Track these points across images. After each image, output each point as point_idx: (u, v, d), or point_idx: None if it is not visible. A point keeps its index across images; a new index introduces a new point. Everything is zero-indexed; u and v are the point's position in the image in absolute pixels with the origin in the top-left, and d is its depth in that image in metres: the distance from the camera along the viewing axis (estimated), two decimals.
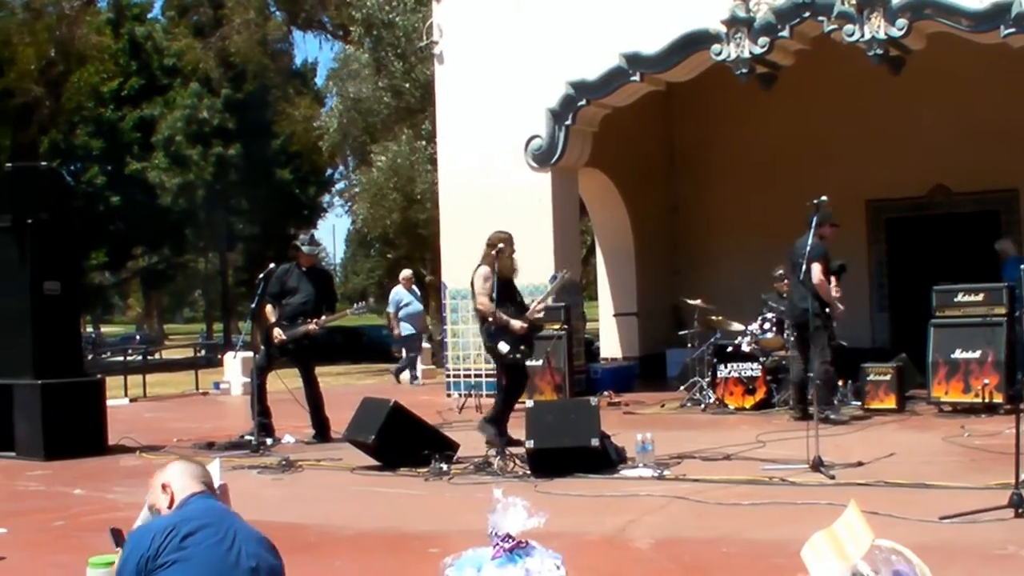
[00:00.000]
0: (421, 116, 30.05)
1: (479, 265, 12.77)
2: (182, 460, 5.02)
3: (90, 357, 40.39)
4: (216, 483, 6.84)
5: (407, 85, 30.21)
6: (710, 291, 18.83)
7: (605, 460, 10.47)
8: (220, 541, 4.45)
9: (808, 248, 12.29)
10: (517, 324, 12.42)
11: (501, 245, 12.80)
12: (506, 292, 12.67)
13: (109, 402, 14.56)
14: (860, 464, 10.22)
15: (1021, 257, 16.87)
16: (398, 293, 24.78)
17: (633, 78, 18.21)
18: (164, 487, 4.79)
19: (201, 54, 50.39)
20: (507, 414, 12.58)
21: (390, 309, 25.12)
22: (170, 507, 4.73)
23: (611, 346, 23.33)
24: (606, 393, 17.93)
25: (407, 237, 34.19)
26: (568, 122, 18.76)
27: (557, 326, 16.71)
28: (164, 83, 60.22)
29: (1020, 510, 7.63)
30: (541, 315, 13.21)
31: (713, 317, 16.95)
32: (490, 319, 12.44)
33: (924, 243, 21.57)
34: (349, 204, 39.76)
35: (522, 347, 12.55)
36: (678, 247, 23.74)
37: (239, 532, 4.53)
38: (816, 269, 13.51)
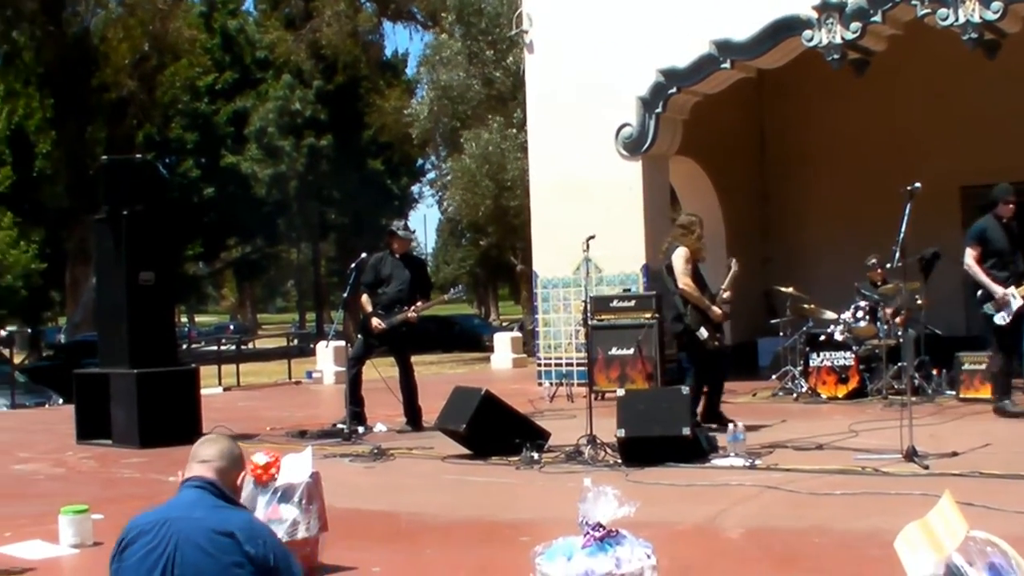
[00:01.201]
0: (512, 104, 30.08)
1: (675, 245, 12.67)
2: (211, 435, 4.85)
3: (184, 347, 40.85)
4: (308, 471, 6.93)
5: (498, 73, 30.26)
6: (802, 279, 18.68)
7: (696, 449, 10.43)
8: (146, 555, 4.29)
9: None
10: (718, 311, 12.41)
11: (698, 229, 12.70)
12: (696, 276, 12.63)
13: (203, 391, 14.74)
14: (955, 454, 10.09)
15: None
16: None
17: (723, 65, 18.09)
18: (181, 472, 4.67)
19: (293, 46, 50.75)
20: (717, 397, 12.81)
21: None
22: None
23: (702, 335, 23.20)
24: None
25: (498, 225, 34.27)
26: (658, 110, 18.67)
27: (648, 315, 16.66)
28: (257, 76, 60.76)
29: None
30: (727, 305, 13.07)
31: (805, 305, 16.80)
32: (693, 302, 12.42)
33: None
34: (440, 194, 39.92)
35: (718, 334, 12.58)
36: (769, 235, 23.56)
37: (181, 538, 4.26)
38: (968, 254, 13.16)
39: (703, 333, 12.40)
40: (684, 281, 12.48)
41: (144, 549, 4.31)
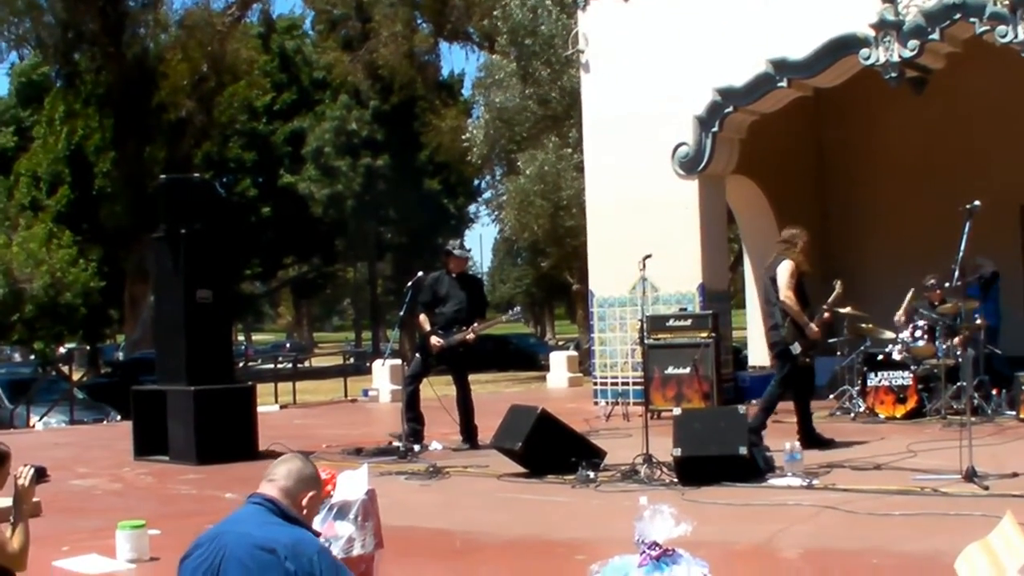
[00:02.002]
0: (567, 124, 30.08)
1: (780, 259, 12.61)
2: (287, 455, 4.85)
3: (241, 365, 41.08)
4: (364, 488, 6.93)
5: (553, 93, 30.28)
6: (860, 299, 18.55)
7: (753, 469, 10.38)
8: (197, 568, 4.42)
9: None
10: (815, 329, 12.34)
11: (800, 242, 12.63)
12: (800, 291, 12.56)
13: (259, 408, 14.82)
14: (1015, 475, 9.97)
15: None
16: None
17: (780, 84, 18.02)
18: None
19: (350, 67, 51.00)
20: (807, 418, 12.64)
21: None
22: None
23: (759, 354, 23.08)
24: (754, 402, 17.75)
25: (555, 246, 34.26)
26: (715, 129, 18.61)
27: (705, 334, 16.60)
28: (314, 96, 61.11)
29: None
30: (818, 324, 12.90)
31: (863, 325, 16.68)
32: (793, 315, 12.36)
33: None
34: (496, 213, 39.94)
35: (811, 351, 12.52)
36: (827, 254, 23.39)
37: (228, 552, 4.37)
38: None
39: (796, 348, 12.35)
40: (786, 293, 12.40)
41: (196, 562, 4.43)
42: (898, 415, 15.40)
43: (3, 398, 27.47)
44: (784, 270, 12.52)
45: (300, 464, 4.71)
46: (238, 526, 4.46)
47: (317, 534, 4.78)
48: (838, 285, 13.42)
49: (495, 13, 31.65)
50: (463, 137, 34.68)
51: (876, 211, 22.88)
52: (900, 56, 16.81)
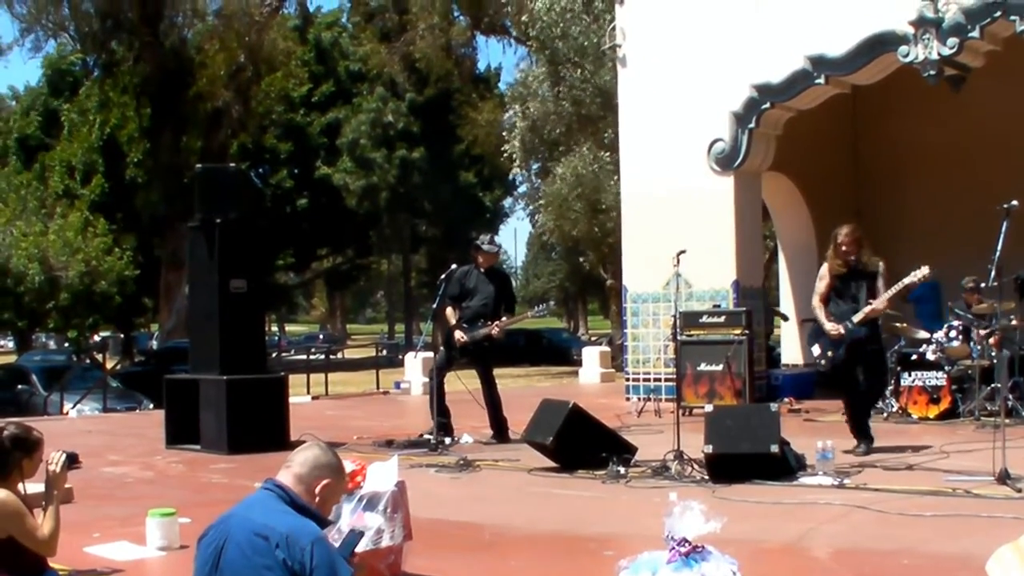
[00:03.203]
0: (602, 124, 30.04)
1: (870, 256, 12.60)
2: (308, 443, 4.90)
3: (274, 355, 41.24)
4: (393, 480, 6.94)
5: (585, 93, 30.20)
6: (895, 297, 18.45)
7: (784, 467, 10.35)
8: (205, 547, 4.53)
9: None
10: (830, 328, 12.17)
11: (833, 243, 12.49)
12: (842, 288, 12.41)
13: (292, 399, 14.84)
14: None
15: None
16: None
17: (818, 80, 17.95)
18: None
19: (386, 59, 50.96)
20: (858, 417, 12.47)
21: None
22: None
23: (792, 352, 23.04)
24: (786, 399, 17.72)
25: (593, 248, 34.25)
26: (751, 125, 18.57)
27: (738, 331, 16.56)
28: (351, 88, 61.16)
29: None
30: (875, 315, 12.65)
31: (897, 324, 16.59)
32: (814, 317, 12.37)
33: None
34: (531, 207, 39.89)
35: (829, 353, 12.33)
36: None
37: (231, 535, 4.46)
38: None
39: (815, 350, 12.29)
40: (814, 298, 12.37)
41: (207, 541, 4.54)
42: (931, 416, 15.32)
43: (37, 385, 27.64)
44: (819, 273, 12.48)
45: (318, 452, 4.74)
46: (245, 510, 4.54)
47: (327, 524, 4.80)
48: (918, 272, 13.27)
49: (523, 19, 31.64)
50: (503, 149, 34.59)
51: (912, 210, 22.76)
52: (939, 54, 16.71)
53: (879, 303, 12.17)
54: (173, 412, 14.39)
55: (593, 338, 55.21)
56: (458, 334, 13.96)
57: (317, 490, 4.63)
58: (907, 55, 16.99)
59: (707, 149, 18.88)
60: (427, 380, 18.58)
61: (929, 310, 18.81)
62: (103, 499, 10.59)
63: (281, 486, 4.58)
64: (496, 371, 14.35)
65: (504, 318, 14.06)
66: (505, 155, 34.19)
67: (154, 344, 52.24)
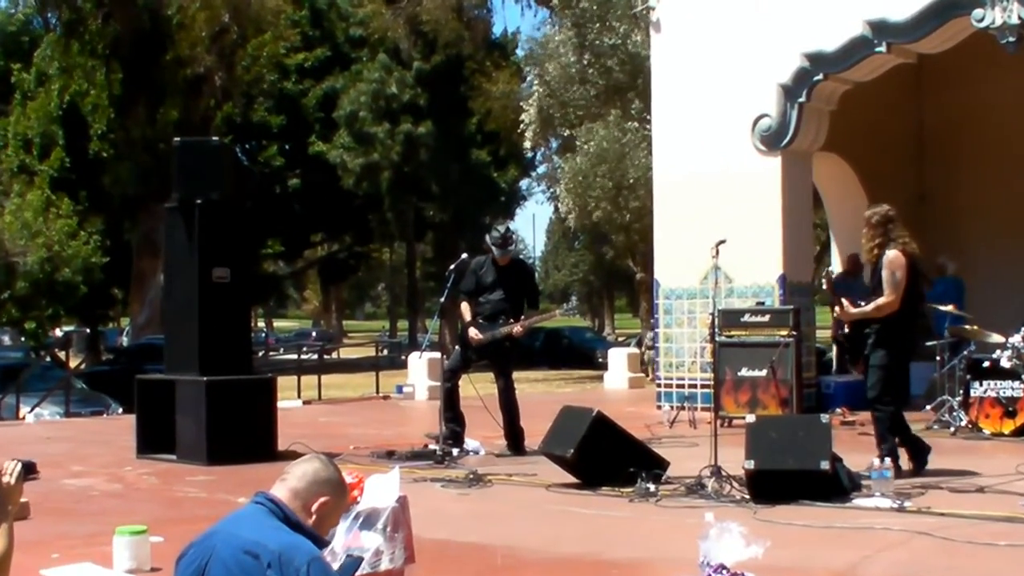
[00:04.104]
0: (630, 94, 30.00)
1: (884, 247, 12.09)
2: (309, 455, 4.92)
3: (260, 354, 41.25)
4: (394, 495, 6.93)
5: (612, 60, 30.16)
6: (964, 296, 18.42)
7: (836, 486, 10.32)
8: (187, 566, 4.55)
9: None
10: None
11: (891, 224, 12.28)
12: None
13: (280, 404, 14.85)
14: None
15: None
16: None
17: (878, 49, 17.89)
18: None
19: (389, 22, 50.90)
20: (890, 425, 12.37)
21: None
22: None
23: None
24: (839, 410, 17.68)
25: (618, 232, 34.20)
26: (802, 99, 18.51)
27: (785, 332, 16.53)
28: (349, 55, 61.13)
29: None
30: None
31: (966, 326, 16.54)
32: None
33: None
34: (551, 190, 39.90)
35: (846, 357, 12.31)
36: (927, 243, 23.10)
37: (215, 553, 4.48)
38: None
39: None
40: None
41: (187, 561, 4.57)
42: (1006, 431, 15.24)
43: None
44: (894, 264, 12.20)
45: (318, 465, 4.74)
46: (232, 526, 4.55)
47: (324, 544, 4.78)
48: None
49: None
50: (520, 120, 34.57)
51: (984, 194, 22.68)
52: (1020, 17, 16.62)
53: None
54: (145, 417, 14.38)
55: (620, 338, 55.19)
56: (473, 332, 13.93)
57: (314, 508, 4.63)
58: (982, 19, 16.91)
59: (751, 126, 18.83)
60: (434, 384, 18.59)
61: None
62: (64, 515, 10.57)
63: (274, 500, 4.58)
64: (513, 375, 14.35)
65: (527, 315, 14.03)
66: (522, 127, 34.15)
67: (124, 340, 52.38)
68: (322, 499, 4.64)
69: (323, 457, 4.83)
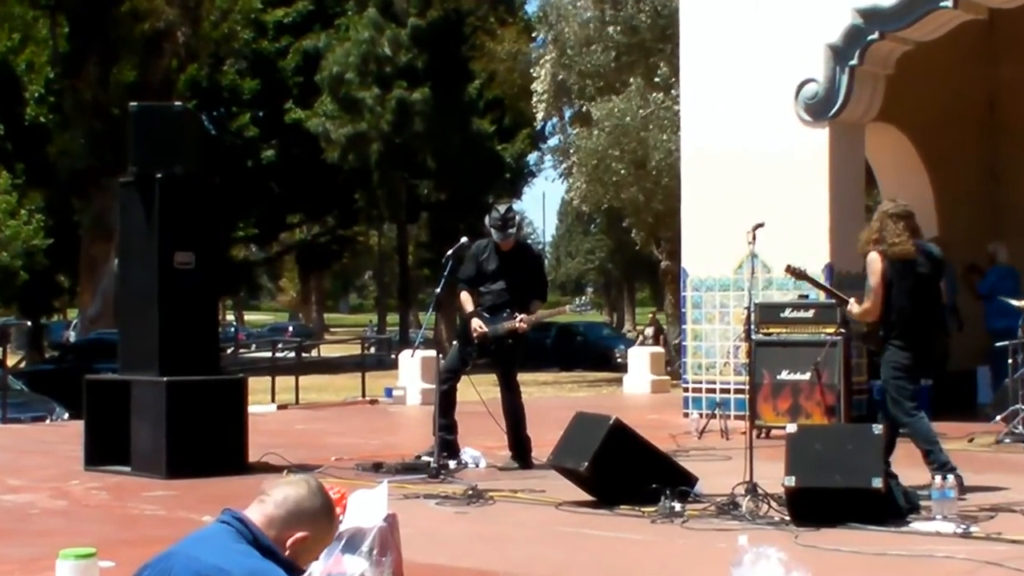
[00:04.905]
0: (654, 58, 29.99)
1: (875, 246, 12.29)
2: (301, 476, 4.88)
3: (229, 351, 41.25)
4: (382, 513, 6.90)
5: (639, 18, 30.16)
6: (1019, 286, 18.41)
7: (890, 507, 10.31)
8: None
9: None
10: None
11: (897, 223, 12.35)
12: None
13: (252, 408, 14.85)
14: None
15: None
16: None
17: (944, 3, 17.88)
18: None
19: None
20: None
21: None
22: None
23: None
24: None
25: (637, 215, 34.16)
26: (854, 62, 18.49)
27: (831, 330, 16.51)
28: (334, 9, 61.14)
29: None
30: None
31: None
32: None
33: None
34: (564, 165, 39.88)
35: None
36: (999, 227, 23.16)
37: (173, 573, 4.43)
38: None
39: None
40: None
41: None
42: None
43: None
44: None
45: (303, 493, 4.65)
46: (193, 548, 4.48)
47: (299, 573, 4.70)
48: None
49: None
50: (531, 88, 34.56)
51: None
52: None
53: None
54: (95, 423, 14.35)
55: (642, 336, 55.27)
56: (476, 324, 13.90)
57: (289, 543, 4.55)
58: None
59: (795, 93, 18.81)
60: (428, 386, 18.59)
61: (1002, 306, 18.54)
62: (0, 535, 10.58)
63: (244, 520, 4.51)
64: (520, 376, 14.34)
65: (533, 308, 14.02)
66: (534, 99, 34.17)
67: (72, 335, 52.42)
68: (299, 535, 4.56)
69: (313, 482, 4.73)
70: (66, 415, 24.20)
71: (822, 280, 15.43)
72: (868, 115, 19.27)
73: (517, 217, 14.45)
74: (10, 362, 33.45)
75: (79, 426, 15.28)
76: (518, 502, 11.72)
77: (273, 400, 24.88)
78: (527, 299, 14.05)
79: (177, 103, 18.07)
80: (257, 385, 19.45)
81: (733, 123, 19.31)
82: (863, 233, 12.40)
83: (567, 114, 37.85)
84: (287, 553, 4.55)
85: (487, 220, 14.35)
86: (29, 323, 54.50)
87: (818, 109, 18.67)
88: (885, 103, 19.27)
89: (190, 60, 47.76)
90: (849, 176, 19.15)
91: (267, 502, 4.58)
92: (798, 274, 13.12)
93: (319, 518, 4.65)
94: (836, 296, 13.21)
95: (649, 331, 43.12)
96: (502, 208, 14.24)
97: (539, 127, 57.20)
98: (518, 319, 13.82)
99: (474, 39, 53.93)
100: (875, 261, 12.02)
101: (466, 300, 14.21)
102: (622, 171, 30.55)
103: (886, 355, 12.14)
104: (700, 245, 19.66)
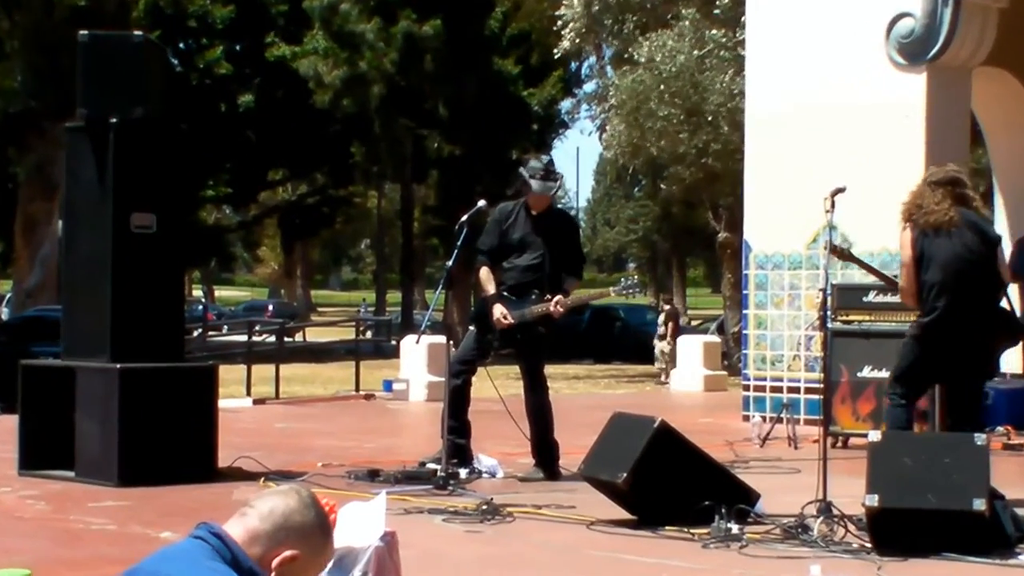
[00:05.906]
0: None
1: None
2: (292, 486, 4.77)
3: (196, 333, 41.36)
4: (379, 530, 6.91)
5: None
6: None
7: (995, 534, 10.27)
8: None
9: None
10: None
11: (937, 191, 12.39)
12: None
13: (223, 402, 14.87)
14: None
15: None
16: None
17: None
18: None
19: None
20: None
21: None
22: None
23: (1015, 355, 22.87)
24: (1001, 428, 17.64)
25: (691, 169, 34.11)
26: None
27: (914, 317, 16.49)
28: None
29: None
30: None
31: None
32: None
33: None
34: (603, 115, 39.88)
35: None
36: None
37: None
38: None
39: None
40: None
41: None
42: None
43: None
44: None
45: (293, 505, 4.61)
46: (160, 564, 4.43)
47: None
48: None
49: None
50: (558, 15, 34.60)
51: None
52: None
53: None
54: (32, 418, 14.34)
55: (695, 322, 55.26)
56: (498, 309, 13.83)
57: (275, 564, 4.53)
58: None
59: (886, 30, 18.79)
60: (437, 379, 18.59)
61: None
62: None
63: (221, 536, 4.47)
64: (546, 369, 14.32)
65: (569, 288, 13.94)
66: (559, 25, 34.16)
67: (4, 311, 52.51)
68: (287, 553, 4.51)
69: (305, 493, 4.70)
70: None
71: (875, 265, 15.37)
72: (976, 58, 19.22)
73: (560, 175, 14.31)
74: None
75: (12, 422, 15.29)
76: (542, 520, 11.70)
77: (249, 393, 24.94)
78: (560, 277, 13.98)
79: (136, 32, 18.03)
80: (230, 375, 19.52)
81: (809, 68, 19.29)
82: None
83: (607, 54, 37.85)
84: (272, 575, 4.53)
85: (524, 170, 14.11)
86: None
87: (915, 49, 18.62)
88: (997, 44, 19.23)
89: None
90: (951, 131, 19.10)
91: (250, 515, 4.52)
92: (844, 255, 13.08)
93: (312, 535, 4.59)
94: (886, 280, 13.18)
95: (661, 319, 40.16)
96: (542, 159, 14.13)
97: (573, 68, 57.17)
98: (553, 302, 13.73)
99: None
100: (904, 234, 12.10)
101: (486, 278, 14.07)
102: (670, 116, 30.48)
103: (908, 336, 12.39)
104: (766, 214, 19.65)
